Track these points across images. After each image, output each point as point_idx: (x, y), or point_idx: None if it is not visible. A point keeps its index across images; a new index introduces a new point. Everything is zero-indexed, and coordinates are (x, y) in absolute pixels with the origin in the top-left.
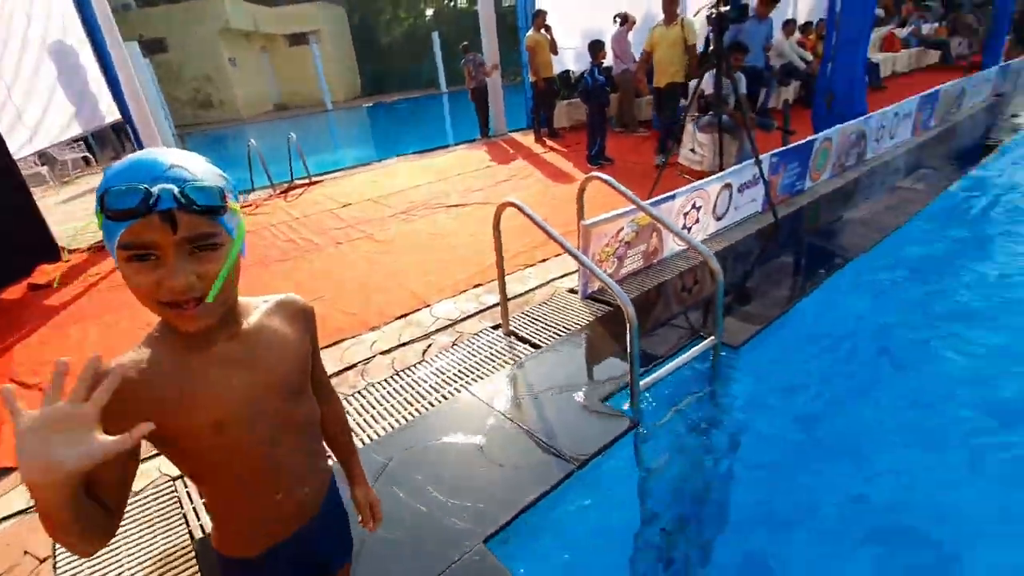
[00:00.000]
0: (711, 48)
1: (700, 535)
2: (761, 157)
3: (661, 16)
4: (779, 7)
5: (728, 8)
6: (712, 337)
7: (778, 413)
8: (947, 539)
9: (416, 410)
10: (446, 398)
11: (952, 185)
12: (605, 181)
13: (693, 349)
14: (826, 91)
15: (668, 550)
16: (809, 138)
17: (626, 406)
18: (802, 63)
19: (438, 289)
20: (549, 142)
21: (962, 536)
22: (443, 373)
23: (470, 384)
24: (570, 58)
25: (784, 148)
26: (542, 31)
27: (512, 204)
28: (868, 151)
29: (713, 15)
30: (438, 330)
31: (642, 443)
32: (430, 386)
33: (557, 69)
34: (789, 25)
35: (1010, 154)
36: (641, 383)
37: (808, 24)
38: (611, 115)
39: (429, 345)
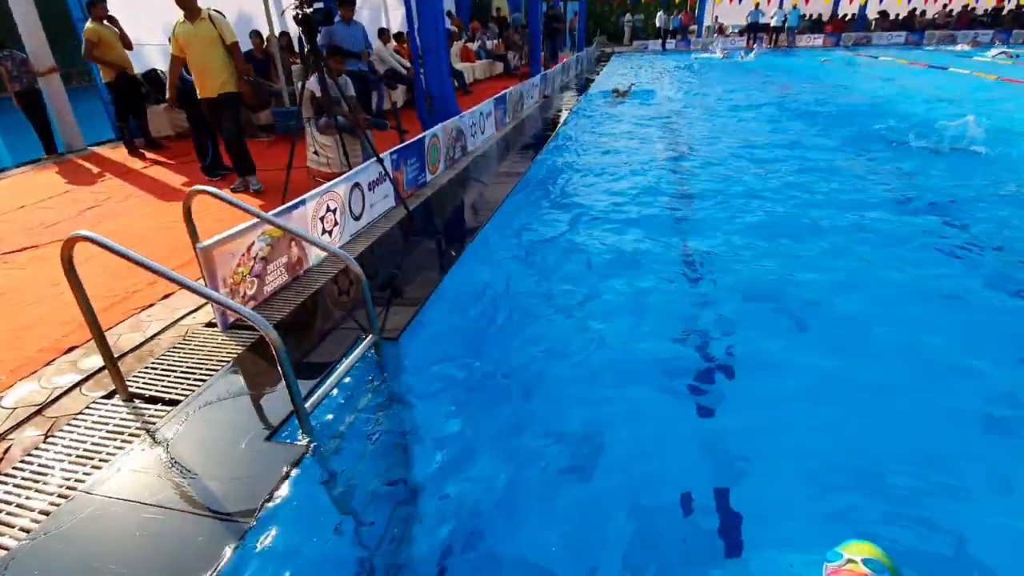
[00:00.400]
0: (307, 50)
1: (404, 532)
2: (382, 155)
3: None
4: (372, 16)
5: (312, 10)
6: (371, 335)
7: (450, 385)
8: (603, 471)
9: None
10: (48, 513)
11: (531, 165)
12: (212, 194)
13: (355, 352)
14: (424, 94)
15: (375, 555)
16: (419, 136)
17: (299, 435)
18: (403, 68)
19: (7, 369)
20: (149, 155)
21: (607, 464)
22: (39, 480)
23: (84, 482)
24: (157, 56)
25: (401, 146)
26: (104, 22)
27: (84, 238)
28: (468, 145)
29: (299, 16)
30: (18, 424)
31: (323, 463)
32: (20, 505)
33: (142, 68)
34: (384, 34)
35: (559, 139)
36: (308, 404)
37: (400, 33)
38: None
39: (7, 449)
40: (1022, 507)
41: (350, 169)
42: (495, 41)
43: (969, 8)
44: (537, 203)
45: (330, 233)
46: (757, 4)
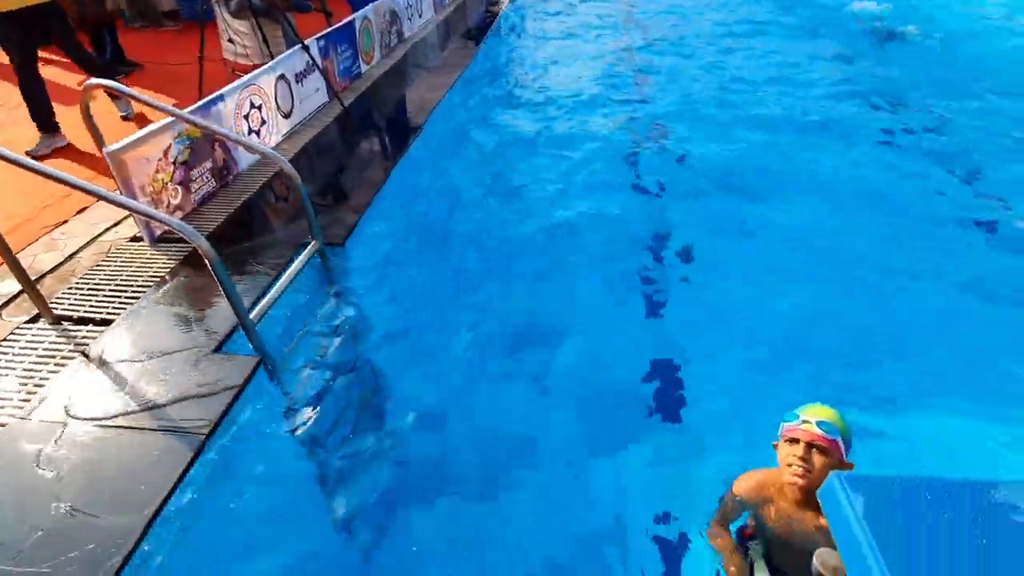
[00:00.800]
0: None
1: (361, 437)
2: (309, 40)
3: None
4: None
5: None
6: (313, 243)
7: (401, 287)
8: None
9: None
10: None
11: (474, 52)
12: (110, 88)
13: (297, 261)
14: None
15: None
16: (348, 18)
17: (248, 348)
18: None
19: None
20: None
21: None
22: None
23: (22, 408)
24: None
25: (328, 30)
26: None
27: None
28: (405, 30)
29: None
30: None
31: (278, 374)
32: None
33: None
34: None
35: (503, 22)
36: (253, 314)
37: None
38: (121, 7)
39: None
40: (956, 386)
41: (272, 59)
42: None
43: None
44: (481, 93)
45: (258, 133)
46: None
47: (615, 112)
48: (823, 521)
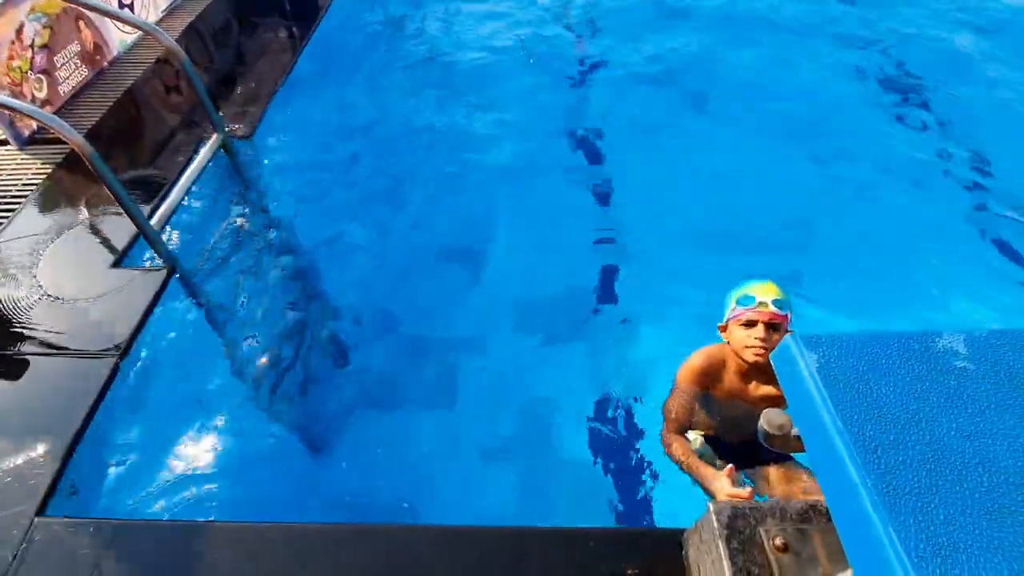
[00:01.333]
0: None
1: (279, 351)
2: None
3: None
4: None
5: None
6: (215, 135)
7: (319, 180)
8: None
9: None
10: None
11: None
12: None
13: (199, 157)
14: None
15: (269, 370)
16: None
17: (153, 259)
18: None
19: None
20: None
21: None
22: None
23: None
24: None
25: None
26: None
27: None
28: None
29: None
30: None
31: (188, 284)
32: None
33: None
34: None
35: None
36: (154, 220)
37: None
38: None
39: None
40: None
41: None
42: None
43: None
44: None
45: (131, 7)
46: None
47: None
48: (770, 389)
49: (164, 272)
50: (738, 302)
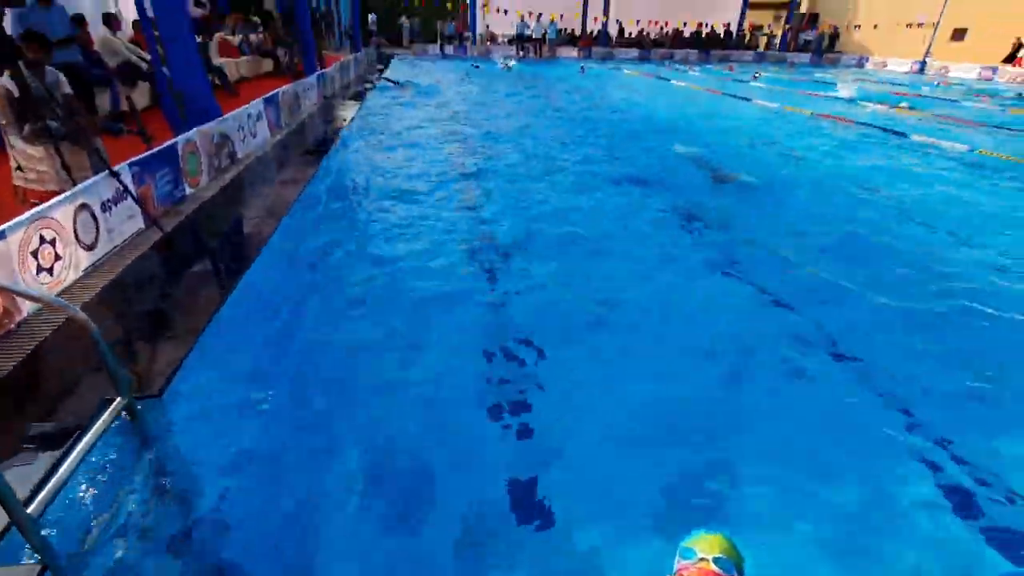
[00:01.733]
0: None
1: None
2: (120, 167)
3: None
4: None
5: None
6: (118, 399)
7: (233, 445)
8: None
9: None
10: None
11: (314, 171)
12: None
13: (97, 424)
14: (171, 91)
15: None
16: (169, 142)
17: (24, 553)
18: (142, 62)
19: None
20: None
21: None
22: None
23: None
24: None
25: (144, 155)
26: None
27: None
28: (238, 150)
29: None
30: None
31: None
32: None
33: None
34: (113, 20)
35: (343, 143)
36: (32, 508)
37: (138, 20)
38: None
39: None
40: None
41: (73, 185)
42: (260, 35)
43: (679, 31)
44: (323, 215)
45: (50, 271)
46: (522, 17)
47: (458, 225)
48: None
49: (36, 570)
50: (681, 553)
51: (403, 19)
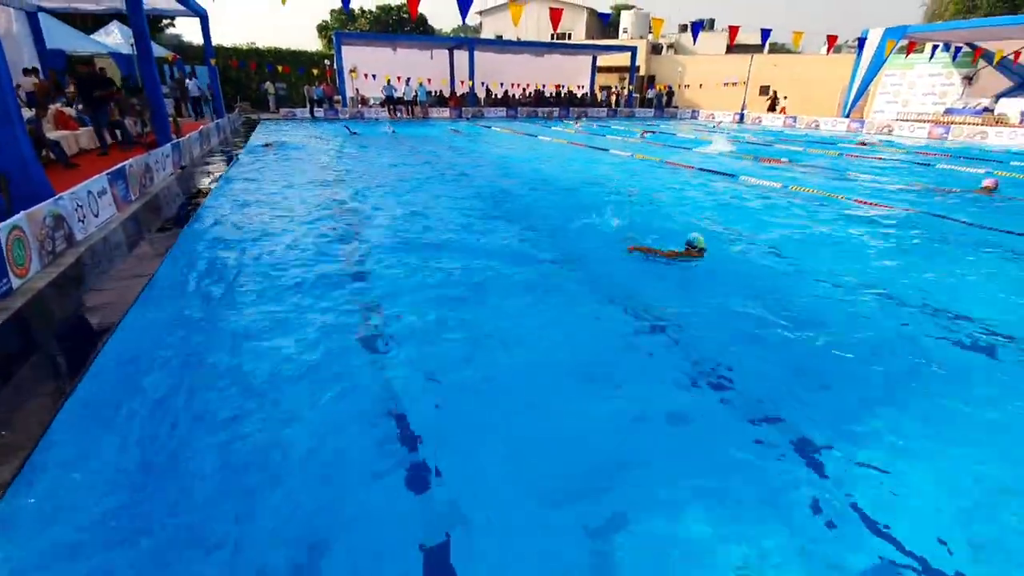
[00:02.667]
0: None
1: None
2: None
3: None
4: None
5: None
6: None
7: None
8: None
9: None
10: None
11: (167, 250)
12: None
13: None
14: None
15: None
16: None
17: None
18: None
19: None
20: None
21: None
22: None
23: None
24: None
25: None
26: None
27: None
28: (76, 233)
29: None
30: None
31: None
32: None
33: None
34: None
35: (202, 217)
36: None
37: None
38: None
39: None
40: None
41: None
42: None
43: (540, 92)
44: (179, 301)
45: None
46: (388, 81)
47: (334, 301)
48: None
49: None
50: None
51: (267, 84)
